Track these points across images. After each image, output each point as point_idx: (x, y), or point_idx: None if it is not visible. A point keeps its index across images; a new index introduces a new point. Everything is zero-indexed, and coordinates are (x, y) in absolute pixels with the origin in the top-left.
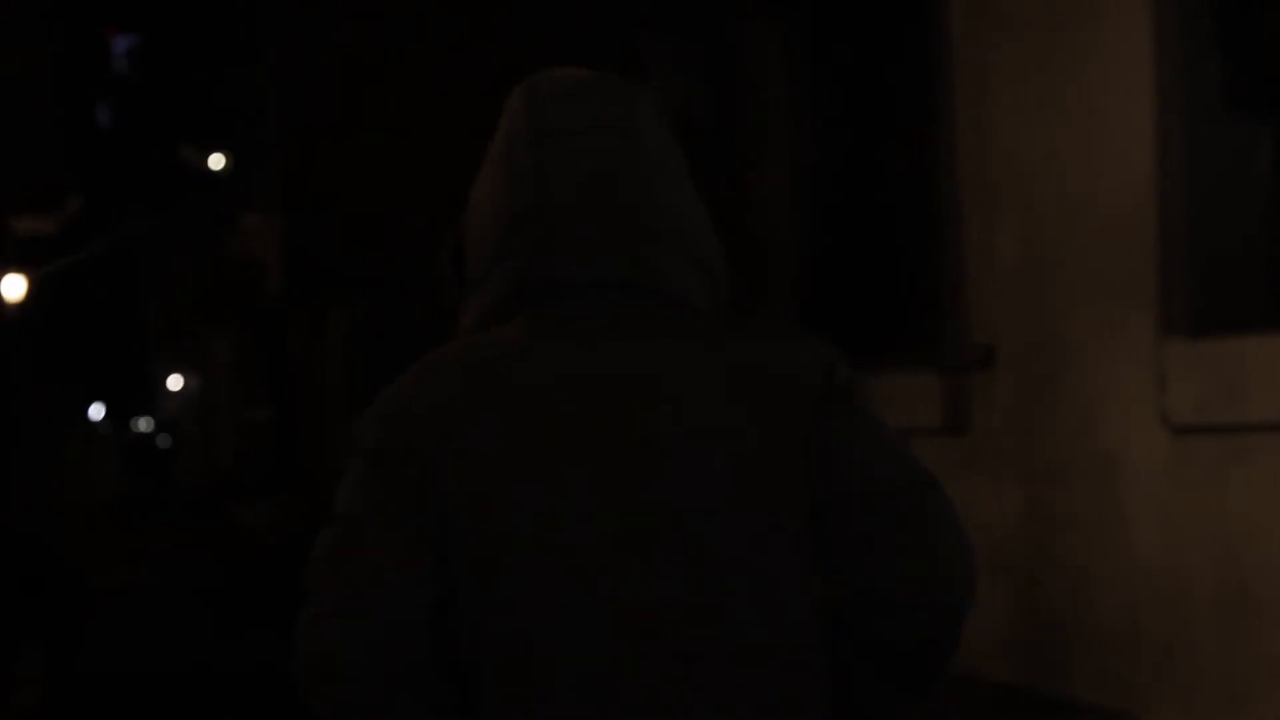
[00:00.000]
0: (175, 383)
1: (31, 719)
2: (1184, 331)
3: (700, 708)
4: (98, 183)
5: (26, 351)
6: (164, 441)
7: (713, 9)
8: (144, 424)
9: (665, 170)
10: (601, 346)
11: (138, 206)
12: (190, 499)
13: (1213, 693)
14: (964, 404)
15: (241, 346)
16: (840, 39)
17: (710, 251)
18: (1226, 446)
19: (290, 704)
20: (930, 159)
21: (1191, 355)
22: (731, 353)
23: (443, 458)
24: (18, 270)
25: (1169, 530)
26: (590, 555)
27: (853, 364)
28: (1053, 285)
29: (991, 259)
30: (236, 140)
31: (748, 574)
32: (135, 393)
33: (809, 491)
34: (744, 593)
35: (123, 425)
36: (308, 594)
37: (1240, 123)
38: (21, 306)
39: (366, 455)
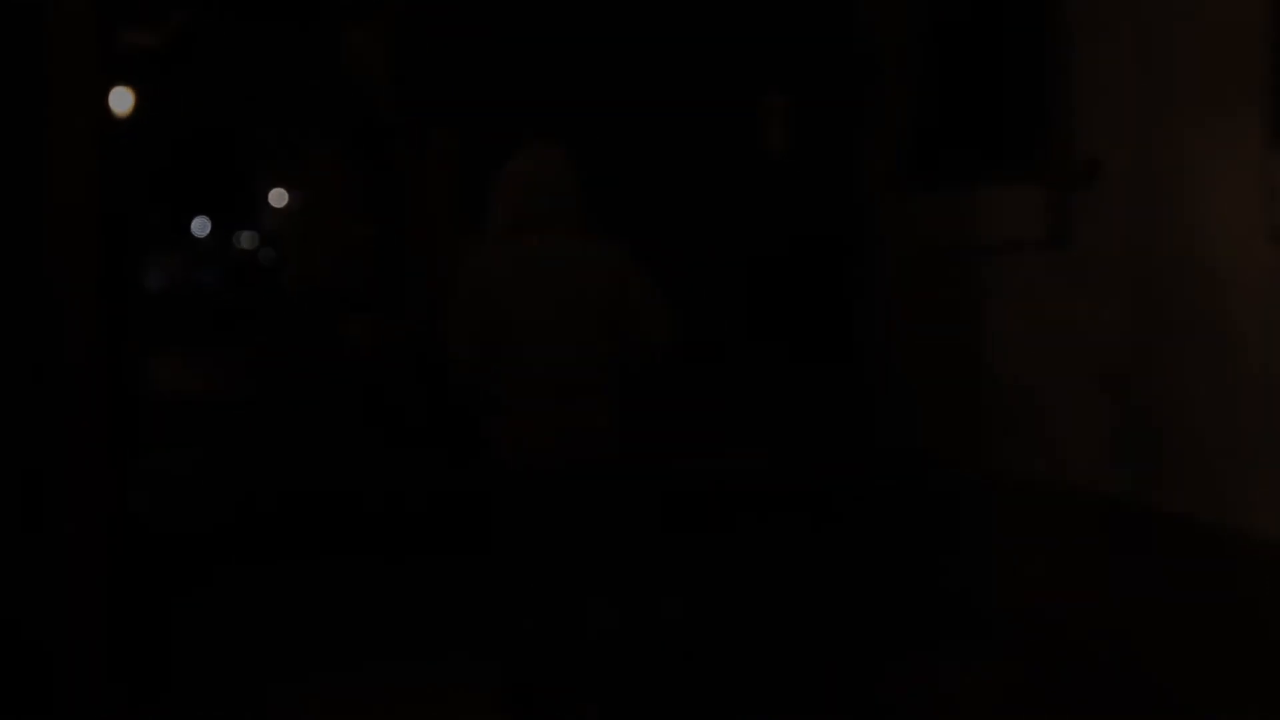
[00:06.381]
0: (278, 198)
1: (138, 522)
2: None
3: (565, 365)
4: None
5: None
6: (266, 257)
7: None
8: (246, 239)
9: (564, 182)
10: (543, 242)
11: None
12: (294, 313)
13: None
14: (1067, 217)
15: (344, 163)
16: None
17: (579, 211)
18: None
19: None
20: None
21: None
22: (591, 248)
23: (486, 288)
24: (125, 85)
25: (1276, 342)
26: (537, 322)
27: (960, 175)
28: (1159, 98)
29: (1097, 71)
30: None
31: (592, 332)
32: (239, 208)
33: (618, 305)
34: (588, 336)
35: (226, 240)
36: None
37: None
38: (128, 121)
39: (458, 288)
